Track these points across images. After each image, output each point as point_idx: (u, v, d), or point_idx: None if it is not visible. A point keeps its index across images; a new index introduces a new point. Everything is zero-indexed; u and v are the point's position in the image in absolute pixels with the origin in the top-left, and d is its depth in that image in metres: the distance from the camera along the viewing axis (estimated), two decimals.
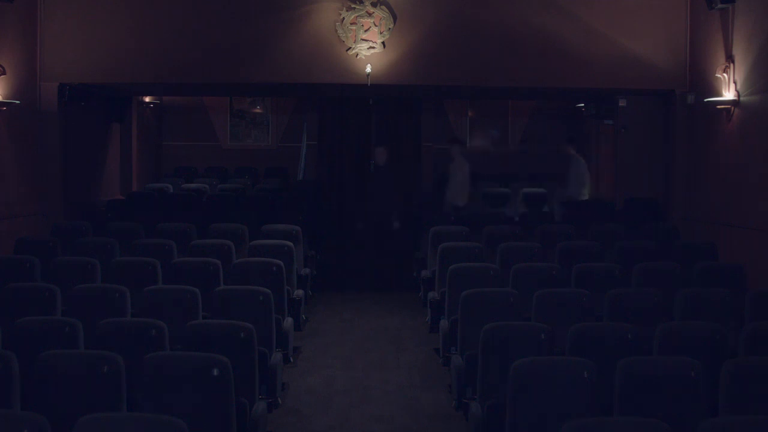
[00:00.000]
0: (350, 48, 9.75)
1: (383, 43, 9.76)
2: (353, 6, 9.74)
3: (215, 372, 4.30)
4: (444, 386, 6.50)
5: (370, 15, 9.75)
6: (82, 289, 6.08)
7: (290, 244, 8.10)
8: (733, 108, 8.57)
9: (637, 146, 10.69)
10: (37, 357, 4.39)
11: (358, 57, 9.75)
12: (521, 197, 12.08)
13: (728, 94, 8.60)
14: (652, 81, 9.86)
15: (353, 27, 9.74)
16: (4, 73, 8.75)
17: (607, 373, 4.42)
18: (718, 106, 8.76)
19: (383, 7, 9.76)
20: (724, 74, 8.67)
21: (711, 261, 7.90)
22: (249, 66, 9.90)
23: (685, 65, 9.75)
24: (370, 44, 9.74)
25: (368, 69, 9.68)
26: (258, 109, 15.52)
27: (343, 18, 9.75)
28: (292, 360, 7.00)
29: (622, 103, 10.77)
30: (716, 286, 6.46)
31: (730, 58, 8.61)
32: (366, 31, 9.75)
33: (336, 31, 9.77)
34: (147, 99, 14.03)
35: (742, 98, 8.44)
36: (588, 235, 8.68)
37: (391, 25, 9.77)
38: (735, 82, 8.51)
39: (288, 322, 6.97)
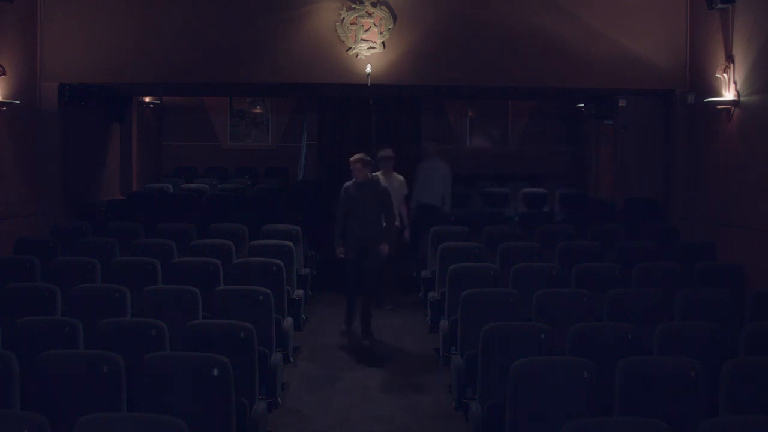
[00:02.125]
0: (350, 48, 9.75)
1: (383, 43, 9.76)
2: (353, 6, 9.74)
3: (215, 372, 4.30)
4: (444, 386, 6.50)
5: (370, 15, 9.75)
6: (82, 289, 6.08)
7: (290, 244, 8.10)
8: (733, 108, 8.57)
9: (637, 146, 10.70)
10: (37, 357, 4.38)
11: (358, 57, 9.75)
12: (520, 197, 12.09)
13: (728, 94, 8.60)
14: (652, 81, 9.86)
15: (353, 27, 9.74)
16: (4, 73, 8.75)
17: (607, 373, 4.41)
18: (718, 106, 8.76)
19: (383, 7, 9.77)
20: (724, 74, 8.67)
21: (711, 261, 7.90)
22: (249, 66, 9.90)
23: (685, 65, 9.75)
24: (370, 44, 9.74)
25: (368, 69, 9.68)
26: (258, 109, 15.52)
27: (343, 18, 9.75)
28: (292, 360, 7.00)
29: (622, 103, 10.78)
30: (716, 286, 6.45)
31: (730, 58, 8.61)
32: (366, 31, 9.75)
33: (336, 31, 9.77)
34: (147, 99, 14.03)
35: (742, 98, 8.44)
36: (588, 235, 8.68)
37: (391, 25, 9.77)
38: (735, 82, 8.51)
39: (288, 322, 6.97)
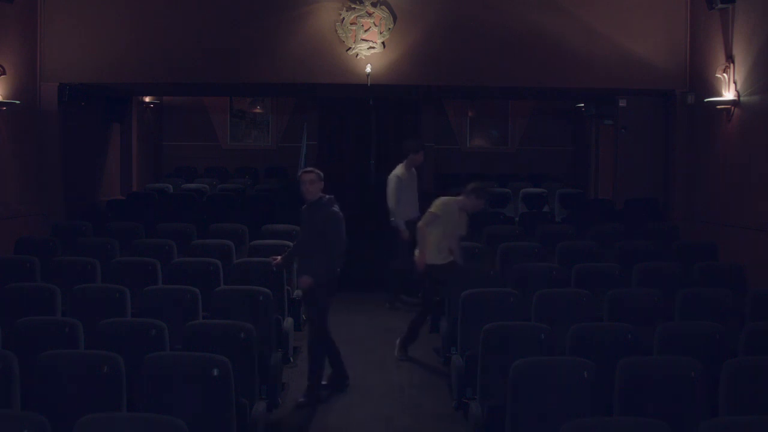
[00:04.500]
0: (350, 48, 9.75)
1: (383, 43, 9.77)
2: (353, 6, 9.75)
3: (215, 372, 4.30)
4: (444, 386, 6.49)
5: (370, 15, 9.75)
6: (82, 289, 6.08)
7: (290, 244, 8.08)
8: (733, 108, 8.57)
9: (637, 146, 10.70)
10: (37, 357, 4.39)
11: (358, 57, 9.75)
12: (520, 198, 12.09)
13: (728, 94, 8.60)
14: (652, 81, 9.86)
15: (353, 27, 9.75)
16: (4, 73, 8.75)
17: (607, 373, 4.41)
18: (718, 106, 8.76)
19: (383, 7, 9.77)
20: (724, 74, 8.67)
21: (711, 261, 7.90)
22: (249, 66, 9.91)
23: (685, 65, 9.75)
24: (370, 44, 9.74)
25: (368, 69, 9.68)
26: (258, 109, 15.52)
27: (343, 18, 9.75)
28: (292, 360, 7.00)
29: (622, 103, 10.79)
30: (716, 286, 6.45)
31: (730, 58, 8.61)
32: (366, 31, 9.76)
33: (336, 31, 9.77)
34: (147, 99, 14.03)
35: (742, 98, 8.44)
36: (588, 235, 8.67)
37: (391, 25, 9.77)
38: (735, 82, 8.51)
39: (288, 322, 6.97)
